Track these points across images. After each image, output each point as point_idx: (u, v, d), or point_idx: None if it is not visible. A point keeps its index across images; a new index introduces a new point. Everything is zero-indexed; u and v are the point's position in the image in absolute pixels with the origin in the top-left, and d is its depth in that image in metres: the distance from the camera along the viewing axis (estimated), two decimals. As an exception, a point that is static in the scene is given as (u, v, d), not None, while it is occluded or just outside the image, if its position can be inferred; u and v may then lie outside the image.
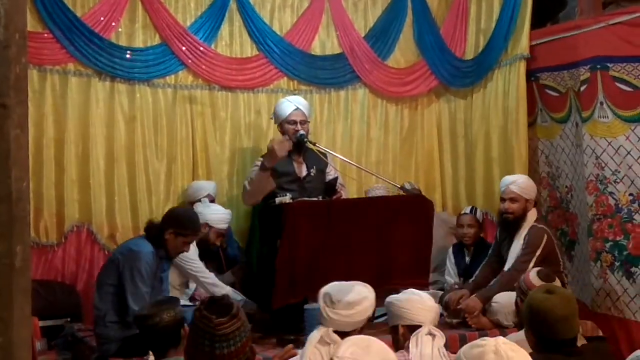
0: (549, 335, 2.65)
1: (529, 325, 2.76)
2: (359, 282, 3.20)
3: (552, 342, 2.64)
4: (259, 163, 5.18)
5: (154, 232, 4.28)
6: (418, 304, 3.25)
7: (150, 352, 3.47)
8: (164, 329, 3.03)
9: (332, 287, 3.12)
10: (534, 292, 2.88)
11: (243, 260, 5.13)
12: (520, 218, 4.93)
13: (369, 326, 4.63)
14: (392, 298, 3.35)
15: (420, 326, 3.18)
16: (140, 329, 3.17)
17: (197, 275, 4.81)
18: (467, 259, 5.52)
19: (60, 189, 5.26)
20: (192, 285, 5.07)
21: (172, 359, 3.04)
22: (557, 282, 3.47)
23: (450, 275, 5.54)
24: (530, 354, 2.09)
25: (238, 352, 2.40)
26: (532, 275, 3.49)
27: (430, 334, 3.15)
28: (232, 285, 4.98)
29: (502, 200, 5.02)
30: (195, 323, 2.45)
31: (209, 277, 4.82)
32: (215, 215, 5.08)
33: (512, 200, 4.95)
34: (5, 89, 1.72)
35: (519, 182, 5.01)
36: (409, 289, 3.37)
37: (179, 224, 4.27)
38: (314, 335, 3.00)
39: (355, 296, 3.03)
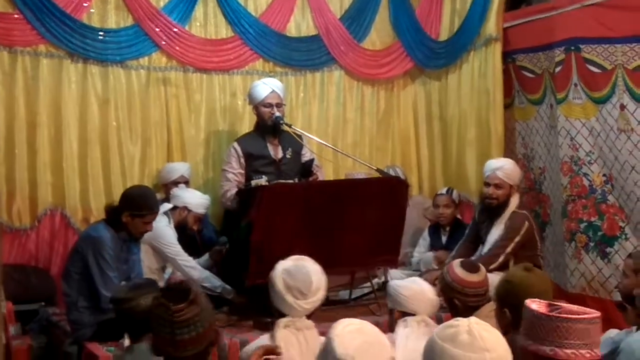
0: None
1: (505, 302, 2.81)
2: (303, 259, 3.07)
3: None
4: (233, 151, 5.15)
5: (112, 215, 4.22)
6: (417, 294, 3.29)
7: (126, 336, 3.45)
8: (141, 314, 2.98)
9: (291, 277, 2.96)
10: (513, 269, 2.96)
11: (222, 243, 5.11)
12: (503, 203, 4.89)
13: (343, 308, 4.70)
14: (394, 282, 3.43)
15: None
16: (117, 312, 3.14)
17: (175, 259, 4.78)
18: (444, 238, 5.55)
19: (33, 172, 5.20)
20: (169, 270, 5.05)
21: (146, 343, 3.01)
22: (480, 274, 3.42)
23: (420, 252, 5.58)
24: (503, 334, 2.10)
25: (200, 337, 2.38)
26: (457, 269, 3.39)
27: (421, 321, 3.22)
28: (209, 268, 4.96)
29: (487, 184, 4.95)
30: (154, 312, 2.42)
31: (188, 260, 4.79)
32: (194, 199, 5.05)
33: (497, 186, 4.88)
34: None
35: (505, 168, 4.93)
36: (413, 277, 3.43)
37: (134, 205, 4.18)
38: (283, 323, 2.94)
39: (318, 280, 3.00)
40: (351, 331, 2.26)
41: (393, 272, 5.08)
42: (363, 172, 5.65)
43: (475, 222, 5.18)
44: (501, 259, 4.67)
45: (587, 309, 2.19)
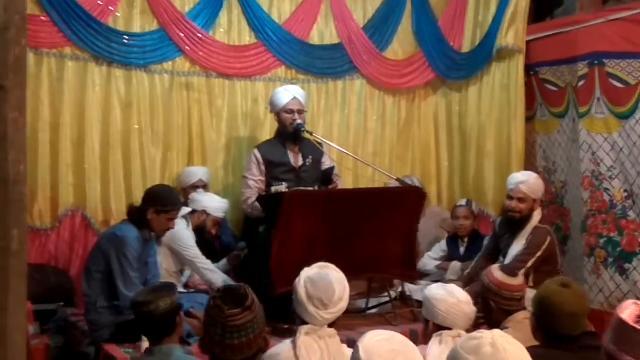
0: (554, 328, 2.65)
1: (538, 317, 2.76)
2: (327, 267, 3.04)
3: (557, 336, 2.65)
4: (253, 157, 5.16)
5: (136, 214, 4.28)
6: (453, 308, 3.18)
7: (144, 337, 3.47)
8: (160, 316, 3.01)
9: (313, 287, 2.92)
10: (550, 281, 2.85)
11: (240, 248, 5.12)
12: (525, 217, 4.83)
13: (360, 317, 4.69)
14: (429, 292, 3.28)
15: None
16: (136, 315, 3.15)
17: (194, 261, 4.80)
18: (461, 249, 5.53)
19: (55, 173, 5.24)
20: (187, 272, 5.06)
21: (166, 345, 3.02)
22: (519, 278, 3.42)
23: (429, 259, 5.57)
24: (536, 347, 2.10)
25: (250, 343, 2.38)
26: (495, 269, 3.39)
27: (457, 337, 3.05)
28: (227, 272, 4.98)
29: (509, 197, 4.89)
30: (208, 311, 2.44)
31: (206, 263, 4.81)
32: (213, 203, 5.08)
33: (520, 200, 4.83)
34: (4, 71, 1.70)
35: (529, 182, 4.86)
36: (451, 285, 3.30)
37: (159, 200, 4.26)
38: (304, 330, 2.93)
39: (340, 290, 2.97)
40: (379, 340, 2.26)
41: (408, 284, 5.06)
42: (394, 177, 5.65)
43: (495, 234, 5.14)
44: (521, 272, 4.64)
45: None
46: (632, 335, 2.07)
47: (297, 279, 3.00)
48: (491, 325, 3.02)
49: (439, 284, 3.27)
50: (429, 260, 5.59)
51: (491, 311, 3.32)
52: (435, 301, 3.19)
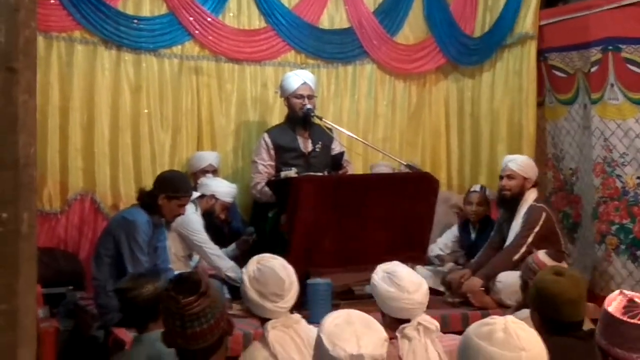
0: (555, 317, 2.63)
1: (536, 306, 2.74)
2: (264, 259, 2.96)
3: (558, 324, 2.63)
4: (262, 142, 5.15)
5: (147, 199, 4.27)
6: (405, 302, 2.96)
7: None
8: (143, 303, 2.97)
9: (261, 285, 2.85)
10: (543, 273, 2.85)
11: (249, 233, 5.12)
12: (517, 196, 4.91)
13: (367, 304, 4.68)
14: (379, 288, 3.02)
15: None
16: (122, 302, 3.13)
17: (202, 246, 4.80)
18: (473, 235, 5.51)
19: (65, 157, 5.25)
20: (196, 257, 5.07)
21: (154, 332, 2.97)
22: (565, 264, 3.46)
23: (443, 242, 5.55)
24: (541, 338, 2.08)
25: (211, 329, 2.35)
26: (542, 256, 3.48)
27: (419, 325, 2.94)
28: (236, 258, 4.98)
29: (501, 177, 5.03)
30: (164, 304, 2.40)
31: (214, 249, 4.81)
32: (222, 188, 5.07)
33: (510, 177, 4.94)
34: (14, 53, 1.68)
35: (517, 160, 5.02)
36: (399, 273, 3.02)
37: (171, 187, 4.26)
38: (270, 326, 2.85)
39: (287, 276, 2.89)
40: (338, 324, 2.24)
41: (418, 269, 5.05)
42: (387, 163, 5.64)
43: (499, 222, 5.17)
44: (523, 249, 4.66)
45: None
46: (622, 328, 2.04)
47: (241, 283, 2.93)
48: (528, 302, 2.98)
49: (386, 276, 3.01)
50: (434, 247, 5.56)
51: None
52: (385, 299, 3.01)
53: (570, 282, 2.72)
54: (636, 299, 2.10)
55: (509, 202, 4.96)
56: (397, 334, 2.95)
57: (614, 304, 2.10)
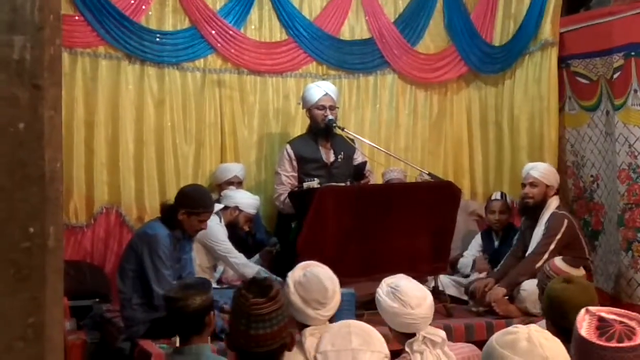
0: (566, 325, 2.61)
1: (548, 315, 2.73)
2: (310, 266, 3.00)
3: (569, 332, 2.61)
4: (285, 153, 5.17)
5: (167, 214, 4.27)
6: (408, 318, 2.96)
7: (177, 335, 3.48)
8: (191, 314, 2.97)
9: (306, 291, 2.88)
10: (553, 282, 2.83)
11: (272, 244, 5.13)
12: (540, 204, 4.91)
13: (371, 314, 4.66)
14: (384, 303, 3.02)
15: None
16: (169, 311, 3.14)
17: (227, 256, 4.83)
18: (496, 243, 5.49)
19: (90, 171, 5.31)
20: (220, 268, 5.09)
21: (196, 345, 2.99)
22: (581, 270, 3.41)
23: (471, 254, 5.52)
24: None
25: (274, 335, 2.37)
26: (559, 262, 3.43)
27: (426, 340, 2.94)
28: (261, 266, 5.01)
29: (523, 185, 5.03)
30: (235, 302, 2.44)
31: (238, 257, 4.83)
32: (245, 200, 5.10)
33: (532, 185, 4.94)
34: (40, 70, 1.71)
35: (539, 167, 5.03)
36: (403, 288, 3.00)
37: (190, 203, 4.23)
38: (309, 332, 2.85)
39: (332, 285, 2.93)
40: (335, 344, 2.36)
41: (442, 278, 5.04)
42: (398, 169, 5.63)
43: (521, 230, 5.15)
44: (545, 256, 4.62)
45: (638, 317, 2.05)
46: (601, 353, 1.97)
47: (286, 287, 2.94)
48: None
49: (390, 291, 3.01)
50: (463, 260, 5.53)
51: None
52: (389, 315, 3.02)
53: (579, 288, 2.71)
54: (605, 316, 2.03)
55: (532, 209, 4.95)
56: (407, 348, 2.96)
57: (584, 325, 2.04)
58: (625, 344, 1.96)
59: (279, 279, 4.73)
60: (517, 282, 4.68)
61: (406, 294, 2.98)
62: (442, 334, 2.99)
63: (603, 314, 2.05)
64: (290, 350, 2.53)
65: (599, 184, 5.54)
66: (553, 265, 3.52)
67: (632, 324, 2.01)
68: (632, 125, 5.15)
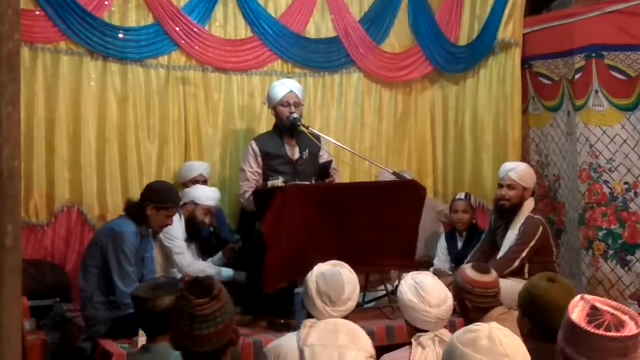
0: (546, 325, 2.63)
1: (526, 311, 2.73)
2: (341, 265, 3.06)
3: (548, 331, 2.63)
4: (250, 149, 5.15)
5: (134, 210, 4.27)
6: (424, 314, 3.01)
7: (141, 333, 3.45)
8: (160, 313, 2.98)
9: (324, 283, 2.95)
10: (535, 279, 2.82)
11: (234, 241, 5.12)
12: (516, 206, 4.84)
13: (357, 312, 4.68)
14: (404, 295, 3.06)
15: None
16: (136, 310, 3.14)
17: (177, 255, 4.86)
18: (460, 244, 5.52)
19: (51, 169, 5.22)
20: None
21: (162, 344, 3.00)
22: (493, 274, 3.38)
23: (440, 261, 5.54)
24: (523, 341, 2.08)
25: (218, 333, 2.37)
26: (469, 271, 3.35)
27: (435, 337, 3.00)
28: (223, 266, 4.99)
29: (500, 186, 4.94)
30: (177, 303, 2.43)
31: (187, 257, 4.88)
32: (201, 192, 5.07)
33: (510, 187, 4.86)
34: (-2, 65, 1.69)
35: (518, 169, 4.92)
36: (427, 286, 3.05)
37: (158, 197, 4.26)
38: (309, 323, 2.88)
39: (350, 290, 2.98)
40: (322, 338, 2.35)
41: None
42: (390, 171, 5.64)
43: (491, 228, 5.15)
44: (516, 263, 4.65)
45: (630, 312, 2.08)
46: (588, 338, 2.00)
47: (310, 273, 3.02)
48: (468, 324, 2.96)
49: (413, 286, 3.05)
50: (441, 262, 5.54)
51: (468, 311, 3.28)
52: (407, 308, 3.07)
53: (563, 289, 2.71)
54: (598, 305, 2.06)
55: (508, 212, 4.87)
56: (413, 340, 3.00)
57: (576, 310, 2.06)
58: (613, 333, 1.99)
59: (242, 273, 4.75)
60: None
61: (428, 292, 3.02)
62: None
63: (597, 304, 2.08)
64: (234, 345, 2.53)
65: (560, 183, 5.62)
66: (463, 272, 3.38)
67: (624, 317, 2.04)
68: (592, 126, 5.23)
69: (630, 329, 2.00)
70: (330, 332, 2.53)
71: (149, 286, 3.18)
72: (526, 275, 4.53)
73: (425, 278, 3.11)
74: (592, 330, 2.00)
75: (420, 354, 2.95)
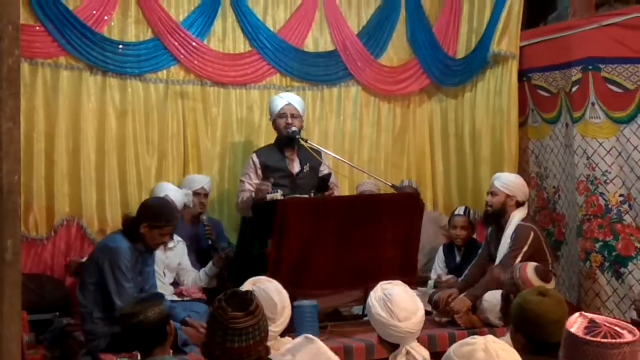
0: (539, 338, 2.63)
1: (519, 326, 2.72)
2: (259, 281, 3.08)
3: (541, 345, 2.63)
4: (251, 162, 5.17)
5: (129, 227, 4.23)
6: (394, 329, 2.94)
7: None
8: (149, 327, 2.98)
9: None
10: (527, 294, 2.82)
11: (223, 248, 5.11)
12: (498, 212, 4.92)
13: (357, 324, 4.68)
14: (373, 310, 2.99)
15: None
16: (124, 328, 3.11)
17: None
18: (458, 258, 5.51)
19: (51, 183, 5.23)
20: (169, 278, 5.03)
21: (158, 357, 3.00)
22: (553, 282, 3.37)
23: (437, 272, 5.54)
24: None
25: (249, 349, 2.39)
26: (530, 272, 3.35)
27: (409, 354, 2.94)
28: (215, 275, 5.01)
29: (487, 194, 5.08)
30: (212, 313, 2.46)
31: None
32: (173, 190, 5.04)
33: (492, 194, 4.98)
34: (-2, 81, 1.71)
35: (502, 177, 5.05)
36: (395, 299, 2.97)
37: (152, 216, 4.19)
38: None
39: (280, 300, 3.00)
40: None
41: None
42: (372, 182, 5.66)
43: (487, 241, 5.19)
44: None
45: (628, 326, 2.12)
46: (584, 349, 2.03)
47: None
48: (507, 319, 2.91)
49: (382, 298, 2.98)
50: (433, 273, 5.55)
51: (509, 306, 3.23)
52: (375, 322, 3.00)
53: (554, 302, 2.71)
54: (596, 320, 2.10)
55: (492, 217, 4.99)
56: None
57: (575, 325, 2.10)
58: (609, 340, 2.02)
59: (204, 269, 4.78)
60: (481, 294, 4.71)
61: (397, 305, 2.95)
62: (426, 353, 2.96)
63: (595, 319, 2.12)
64: None
65: (560, 195, 5.63)
66: (523, 274, 3.43)
67: (622, 331, 2.08)
68: (589, 138, 5.24)
69: (626, 337, 2.03)
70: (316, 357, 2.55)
71: (134, 302, 3.18)
72: None
73: (395, 289, 3.02)
74: (590, 338, 2.03)
75: None
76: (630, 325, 2.12)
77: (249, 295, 2.48)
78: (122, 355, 3.90)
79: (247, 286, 3.00)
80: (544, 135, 5.80)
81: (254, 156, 5.25)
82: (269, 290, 2.97)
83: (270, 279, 3.07)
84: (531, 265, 3.42)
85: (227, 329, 2.37)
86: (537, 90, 5.82)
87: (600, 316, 2.14)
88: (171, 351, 3.90)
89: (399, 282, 3.12)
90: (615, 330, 2.06)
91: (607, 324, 2.09)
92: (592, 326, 2.08)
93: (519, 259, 4.68)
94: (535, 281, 3.32)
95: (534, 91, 5.85)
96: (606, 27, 5.21)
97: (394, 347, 2.98)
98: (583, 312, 2.15)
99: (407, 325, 2.93)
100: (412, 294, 3.06)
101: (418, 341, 3.04)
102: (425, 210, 5.20)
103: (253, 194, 5.04)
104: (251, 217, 5.05)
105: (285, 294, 3.03)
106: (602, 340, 2.02)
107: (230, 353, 2.38)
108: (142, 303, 3.10)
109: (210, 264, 5.11)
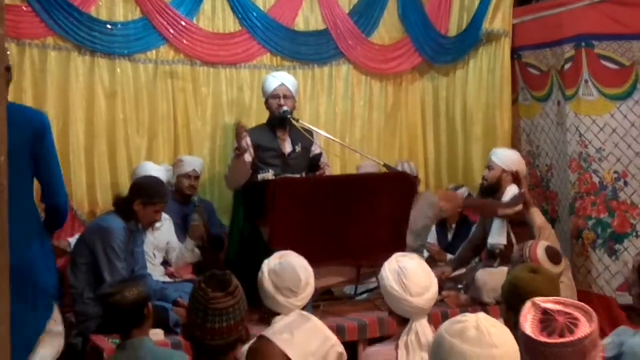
0: None
1: (511, 305, 2.71)
2: (287, 255, 3.07)
3: None
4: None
5: (122, 206, 4.24)
6: (405, 304, 2.91)
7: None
8: (126, 307, 2.98)
9: (279, 278, 2.96)
10: (518, 271, 2.82)
11: (193, 219, 5.06)
12: (493, 186, 4.90)
13: (349, 304, 4.69)
14: (386, 282, 2.95)
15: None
16: (104, 307, 3.13)
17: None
18: (450, 235, 5.52)
19: (40, 164, 5.18)
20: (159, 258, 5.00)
21: (137, 339, 3.00)
22: (564, 264, 3.34)
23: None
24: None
25: (230, 329, 2.41)
26: (540, 252, 3.32)
27: (416, 337, 2.91)
28: (199, 247, 4.98)
29: (485, 168, 5.06)
30: (193, 294, 2.47)
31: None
32: (154, 169, 5.02)
33: (489, 167, 4.97)
34: (-19, 60, 1.67)
35: (498, 152, 5.05)
36: (410, 273, 2.92)
37: (146, 193, 4.22)
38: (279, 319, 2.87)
39: (305, 276, 3.00)
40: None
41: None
42: (374, 163, 5.64)
43: (481, 220, 5.18)
44: (510, 210, 4.69)
45: (583, 307, 2.07)
46: (545, 349, 1.98)
47: (260, 273, 3.03)
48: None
49: (396, 271, 2.93)
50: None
51: None
52: (387, 294, 2.96)
53: (546, 279, 2.71)
54: (549, 307, 2.04)
55: (486, 191, 4.97)
56: (400, 342, 2.93)
57: (528, 319, 2.04)
58: (566, 338, 1.97)
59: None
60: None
61: (411, 279, 2.91)
62: (431, 337, 2.87)
63: (548, 306, 2.05)
64: (244, 342, 2.55)
65: (552, 172, 5.63)
66: (533, 254, 3.39)
67: (577, 313, 2.02)
68: (582, 115, 5.24)
69: (584, 329, 1.98)
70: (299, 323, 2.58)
71: (114, 283, 3.20)
72: (513, 241, 4.60)
73: (410, 263, 2.98)
74: (546, 340, 1.99)
75: (405, 358, 2.90)
76: (585, 306, 2.06)
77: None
78: (113, 336, 3.90)
79: (273, 259, 3.05)
80: (534, 114, 5.79)
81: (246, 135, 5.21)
82: (295, 264, 3.01)
83: (298, 255, 3.09)
84: (542, 245, 3.38)
85: (208, 309, 2.39)
86: (527, 69, 5.81)
87: (553, 300, 2.08)
88: (162, 331, 3.92)
89: (415, 255, 3.10)
90: (572, 318, 2.01)
91: (562, 314, 2.03)
92: (546, 319, 2.02)
93: (520, 205, 4.67)
94: (545, 262, 3.29)
95: (524, 69, 5.84)
96: (598, 4, 5.19)
97: (404, 320, 2.97)
98: (535, 301, 2.09)
99: (419, 301, 2.90)
100: (428, 270, 3.02)
101: (430, 319, 3.04)
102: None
103: (235, 153, 4.94)
104: (241, 190, 4.99)
105: (310, 270, 3.06)
106: (560, 340, 1.97)
107: (211, 333, 2.40)
108: (120, 284, 3.12)
109: (187, 238, 5.05)
